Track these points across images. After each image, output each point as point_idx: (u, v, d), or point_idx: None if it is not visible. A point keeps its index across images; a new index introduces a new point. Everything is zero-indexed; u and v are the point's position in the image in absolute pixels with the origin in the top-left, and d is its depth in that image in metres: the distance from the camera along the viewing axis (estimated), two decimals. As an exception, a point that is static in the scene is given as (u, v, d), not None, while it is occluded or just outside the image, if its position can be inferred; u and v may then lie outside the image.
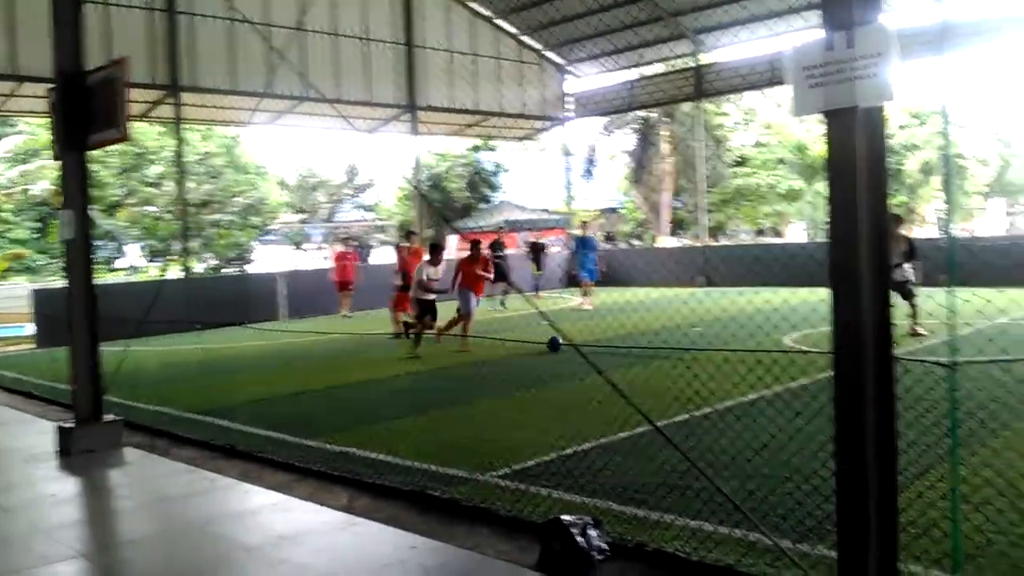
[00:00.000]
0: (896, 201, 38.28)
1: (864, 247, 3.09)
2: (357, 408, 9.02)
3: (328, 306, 21.57)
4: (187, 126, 28.30)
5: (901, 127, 38.30)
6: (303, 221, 39.93)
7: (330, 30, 23.36)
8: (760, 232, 43.93)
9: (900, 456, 3.19)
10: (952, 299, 3.54)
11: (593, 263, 20.02)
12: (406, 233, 17.95)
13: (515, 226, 34.18)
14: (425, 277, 13.04)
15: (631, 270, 25.82)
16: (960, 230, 35.98)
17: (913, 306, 11.45)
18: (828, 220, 3.19)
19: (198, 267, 36.39)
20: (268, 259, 36.09)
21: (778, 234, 43.57)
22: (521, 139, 37.26)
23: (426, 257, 13.42)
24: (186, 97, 21.27)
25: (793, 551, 4.32)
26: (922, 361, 4.25)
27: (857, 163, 3.04)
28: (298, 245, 40.73)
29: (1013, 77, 60.34)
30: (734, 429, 6.42)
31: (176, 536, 5.38)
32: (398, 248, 17.18)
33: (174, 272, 28.97)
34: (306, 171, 41.83)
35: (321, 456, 6.96)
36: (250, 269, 37.29)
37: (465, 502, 5.47)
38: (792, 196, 38.37)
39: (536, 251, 24.40)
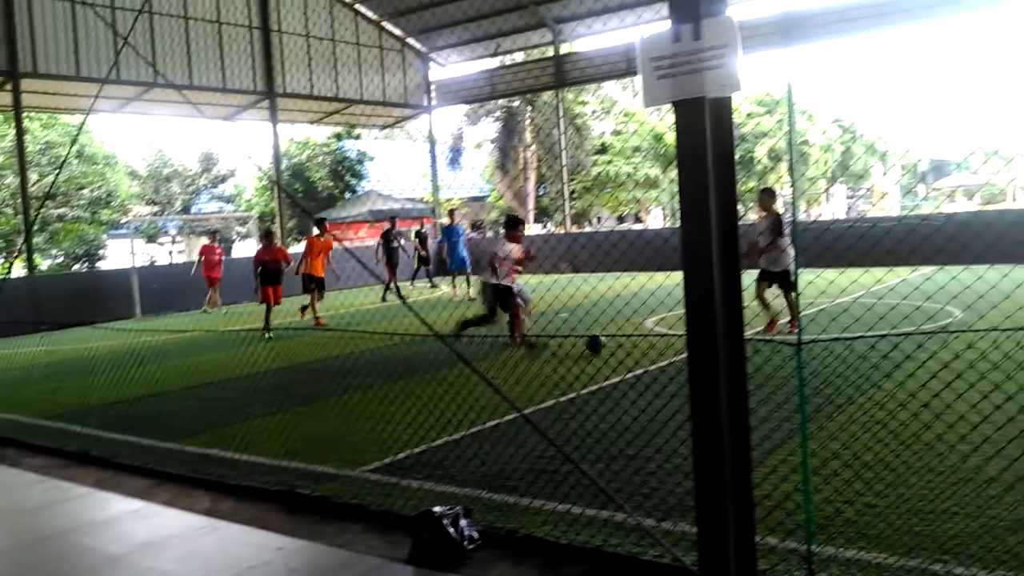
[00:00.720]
0: (747, 188, 40.07)
1: (714, 232, 3.19)
2: (218, 407, 8.72)
3: (186, 303, 20.77)
4: (28, 114, 26.57)
5: (750, 116, 40.04)
6: (156, 213, 38.13)
7: (181, 13, 22.38)
8: (622, 219, 45.08)
9: (753, 433, 3.33)
10: (797, 280, 3.71)
11: (464, 252, 19.77)
12: (265, 231, 17.16)
13: (380, 216, 33.78)
14: (502, 255, 10.88)
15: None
16: (805, 214, 38.03)
17: (791, 302, 10.27)
18: (680, 207, 3.28)
19: (44, 264, 34.26)
20: (121, 254, 34.39)
21: (639, 220, 44.81)
22: (385, 127, 36.87)
23: (502, 232, 11.37)
24: (26, 83, 19.96)
25: (656, 529, 4.46)
26: (770, 340, 4.44)
27: (706, 151, 3.14)
28: (152, 239, 38.91)
29: (855, 67, 64.16)
30: (598, 413, 6.57)
31: (33, 549, 5.05)
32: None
33: (17, 270, 27.17)
34: (158, 160, 39.93)
35: (181, 459, 6.69)
36: (102, 265, 35.40)
37: (335, 499, 5.38)
38: (650, 183, 39.50)
39: (423, 240, 23.97)
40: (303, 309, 15.40)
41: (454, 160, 37.72)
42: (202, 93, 23.36)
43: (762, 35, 21.01)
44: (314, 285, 15.44)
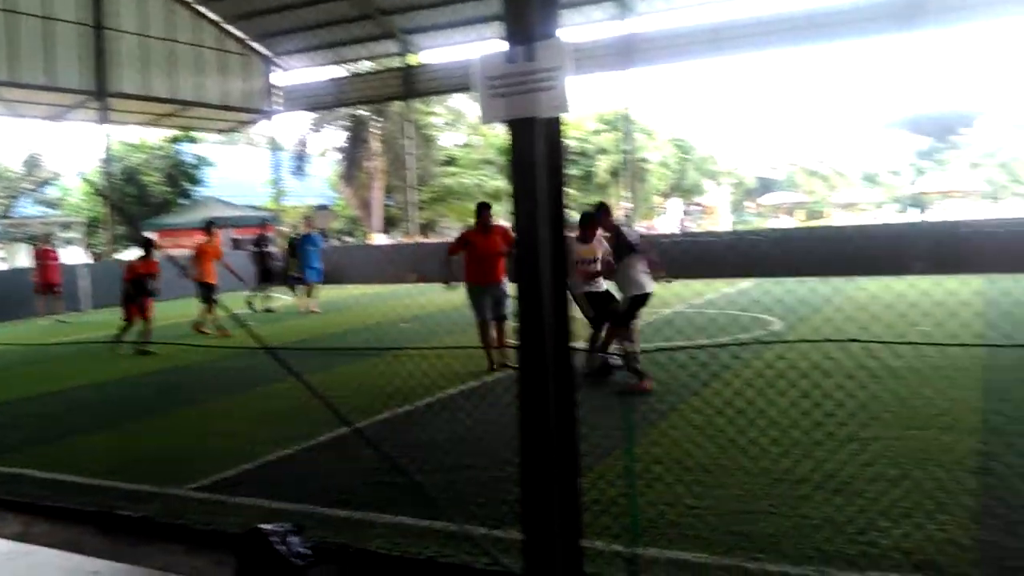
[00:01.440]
0: (588, 201, 41.22)
1: (545, 248, 3.28)
2: (35, 424, 8.16)
3: (6, 311, 19.35)
4: None
5: (594, 132, 41.29)
6: (-29, 217, 35.31)
7: (4, 5, 20.88)
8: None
9: (583, 440, 3.45)
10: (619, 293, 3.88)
11: (319, 262, 18.65)
12: (146, 241, 15.54)
13: (221, 223, 32.57)
14: (576, 260, 8.97)
15: (344, 268, 25.60)
16: (644, 227, 39.50)
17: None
18: (513, 222, 3.36)
19: None
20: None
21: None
22: (225, 132, 35.64)
23: (573, 234, 9.35)
24: None
25: (488, 537, 4.52)
26: (598, 352, 4.60)
27: (537, 170, 3.23)
28: (-35, 245, 35.97)
29: (691, 91, 67.38)
30: (434, 424, 6.59)
31: None
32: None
33: None
34: (-27, 161, 37.01)
35: (-9, 481, 6.23)
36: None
37: (157, 519, 5.14)
38: (496, 196, 39.95)
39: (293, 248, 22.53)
40: (196, 326, 14.48)
41: (299, 168, 36.84)
42: (26, 91, 21.88)
43: (602, 57, 21.77)
44: (208, 293, 14.42)
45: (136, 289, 12.78)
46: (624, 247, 8.30)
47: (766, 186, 47.75)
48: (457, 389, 7.88)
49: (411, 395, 7.15)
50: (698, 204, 46.35)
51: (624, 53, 22.22)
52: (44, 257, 19.96)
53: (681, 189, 43.81)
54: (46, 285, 19.55)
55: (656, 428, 6.64)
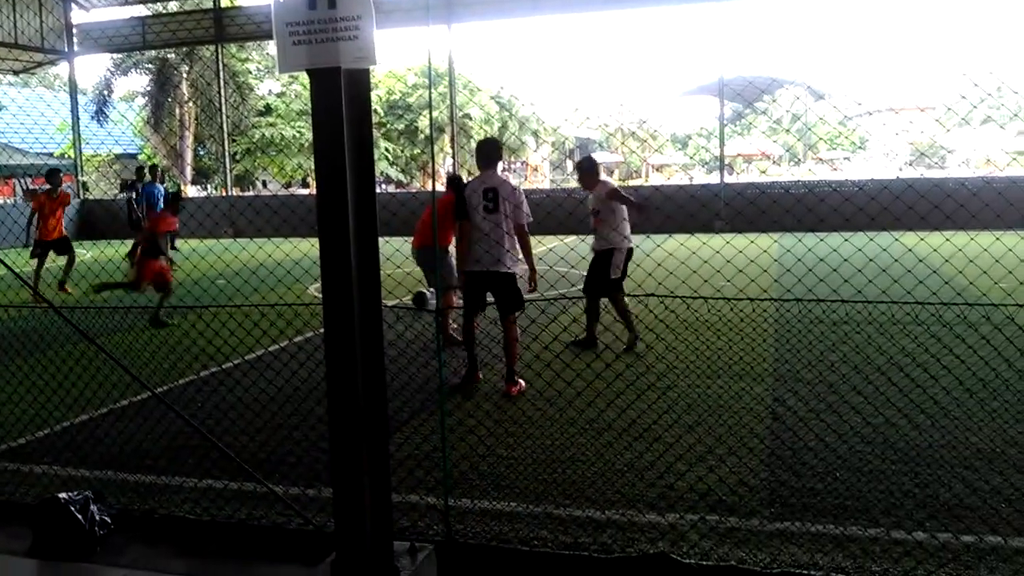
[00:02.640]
0: (412, 155, 40.96)
1: (351, 202, 3.22)
2: None
3: None
4: None
5: (415, 87, 40.91)
6: None
7: None
8: (289, 184, 43.99)
9: (396, 397, 3.47)
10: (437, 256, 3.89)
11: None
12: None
13: (12, 172, 30.01)
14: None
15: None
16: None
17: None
18: (316, 176, 3.28)
19: None
20: None
21: (307, 186, 44.03)
22: (18, 72, 32.60)
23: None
24: None
25: (301, 496, 4.48)
26: (409, 308, 4.62)
27: (342, 122, 3.15)
28: None
29: (512, 48, 67.87)
30: (242, 385, 6.40)
31: None
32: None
33: None
34: None
35: None
36: None
37: (-61, 493, 4.75)
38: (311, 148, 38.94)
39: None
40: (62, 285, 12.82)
41: (100, 112, 34.31)
42: None
43: (419, 11, 21.51)
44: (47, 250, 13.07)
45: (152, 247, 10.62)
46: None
47: (585, 146, 49.09)
48: (269, 349, 7.68)
49: (218, 356, 6.89)
50: (521, 162, 47.02)
51: (445, 7, 22.04)
52: None
53: (504, 147, 44.28)
54: None
55: (468, 383, 6.75)
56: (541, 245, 8.78)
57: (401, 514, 4.12)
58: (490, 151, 6.78)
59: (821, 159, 42.03)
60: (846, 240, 5.18)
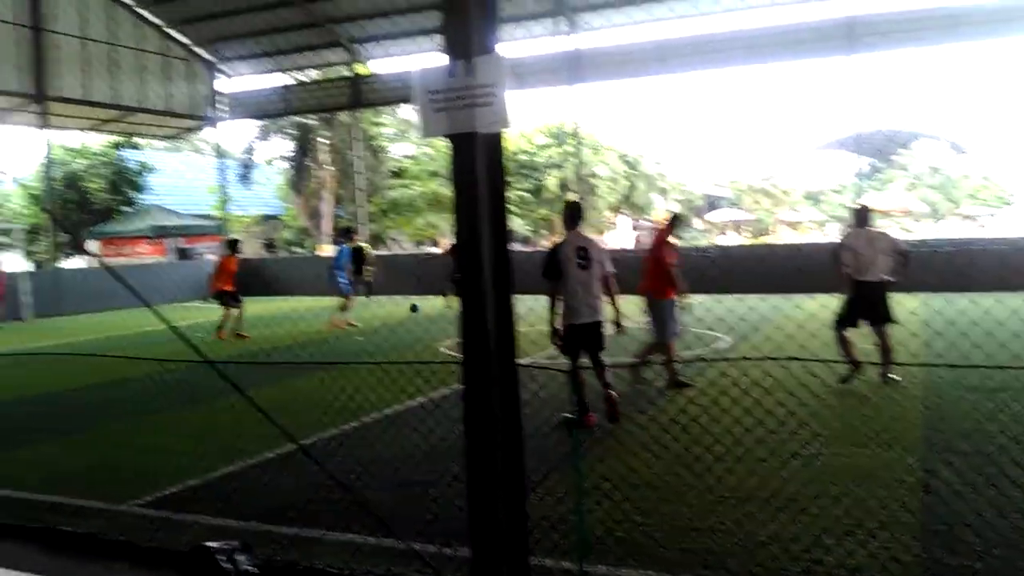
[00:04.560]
0: (538, 215, 41.37)
1: (487, 262, 3.27)
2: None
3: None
4: None
5: (543, 147, 41.48)
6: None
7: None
8: (420, 243, 45.17)
9: (531, 456, 3.44)
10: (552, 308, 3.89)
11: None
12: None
13: (165, 232, 32.05)
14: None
15: (293, 279, 25.35)
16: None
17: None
18: (455, 237, 3.36)
19: None
20: None
21: (435, 244, 45.08)
22: (169, 138, 35.03)
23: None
24: None
25: (438, 555, 4.49)
26: (545, 368, 4.61)
27: (478, 185, 3.23)
28: None
29: (638, 106, 68.21)
30: (382, 440, 6.53)
31: None
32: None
33: None
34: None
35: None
36: None
37: (100, 536, 5.03)
38: (442, 207, 39.70)
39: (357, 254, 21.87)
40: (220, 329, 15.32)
41: (245, 176, 36.34)
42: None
43: (547, 72, 21.88)
44: (233, 301, 15.56)
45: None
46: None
47: (713, 203, 48.44)
48: (405, 405, 7.82)
49: (360, 410, 7.07)
50: (648, 220, 46.82)
51: (570, 68, 22.37)
52: None
53: (630, 204, 44.17)
54: None
55: (602, 444, 6.65)
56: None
57: (535, 576, 4.06)
58: (575, 213, 7.56)
59: (965, 215, 39.97)
60: (998, 301, 4.87)
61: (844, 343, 8.50)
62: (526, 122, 41.02)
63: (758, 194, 46.04)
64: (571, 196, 37.91)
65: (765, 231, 44.51)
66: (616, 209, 44.16)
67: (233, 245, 16.44)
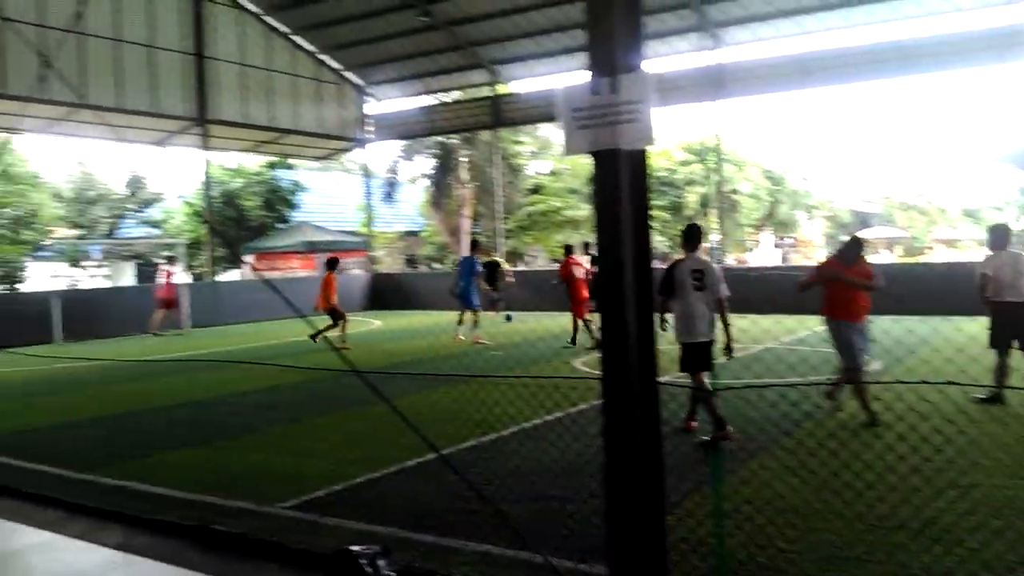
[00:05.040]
0: (676, 232, 40.79)
1: (628, 278, 3.27)
2: (136, 439, 8.48)
3: (110, 328, 20.34)
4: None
5: (682, 163, 40.95)
6: (80, 237, 37.08)
7: (112, 34, 22.02)
8: (556, 260, 45.45)
9: (669, 476, 3.40)
10: (711, 327, 3.83)
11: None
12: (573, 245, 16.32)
13: (314, 247, 33.48)
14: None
15: (432, 294, 25.96)
16: (735, 260, 38.84)
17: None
18: (596, 253, 3.37)
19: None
20: (42, 277, 33.35)
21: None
22: (320, 159, 36.65)
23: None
24: (-55, 99, 19.42)
25: (574, 571, 4.49)
26: (684, 386, 4.54)
27: (622, 200, 3.23)
28: (75, 262, 37.79)
29: (782, 121, 66.39)
30: (520, 453, 6.59)
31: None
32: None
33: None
34: (83, 182, 38.87)
35: (95, 491, 6.49)
36: (22, 287, 34.23)
37: (251, 536, 5.27)
38: (578, 224, 39.73)
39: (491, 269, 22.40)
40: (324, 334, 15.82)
41: (389, 194, 37.64)
42: (132, 116, 22.98)
43: (690, 87, 21.61)
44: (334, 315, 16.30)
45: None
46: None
47: (862, 220, 46.51)
48: (542, 419, 7.87)
49: (497, 423, 7.18)
50: (792, 237, 45.43)
51: (713, 84, 22.03)
52: (168, 275, 21.62)
53: (774, 222, 42.99)
54: (164, 300, 21.07)
55: (746, 467, 6.48)
56: (822, 324, 8.36)
57: (673, 598, 4.00)
58: (694, 235, 7.79)
59: None
60: None
61: (1001, 368, 8.37)
62: (666, 138, 40.62)
63: (912, 211, 43.89)
64: (696, 219, 37.39)
65: (920, 250, 42.36)
66: (759, 227, 43.05)
67: (333, 264, 17.16)
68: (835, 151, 61.41)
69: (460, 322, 16.58)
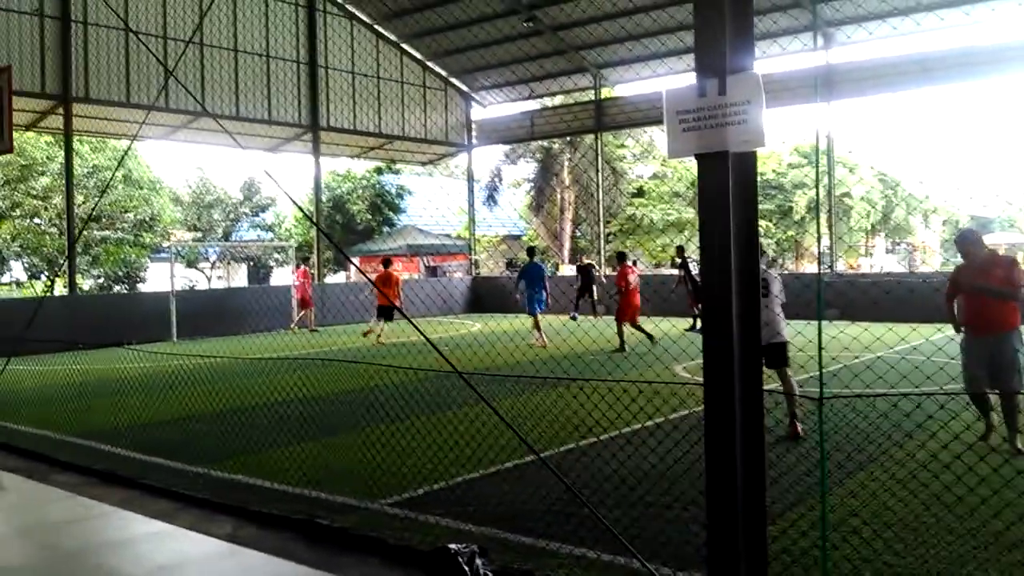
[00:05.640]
0: (785, 236, 39.81)
1: (734, 285, 3.21)
2: (246, 434, 8.80)
3: (224, 328, 21.20)
4: (78, 138, 27.41)
5: (791, 166, 39.91)
6: (198, 239, 38.78)
7: (230, 45, 22.98)
8: (659, 264, 44.93)
9: (772, 487, 3.34)
10: (820, 334, 3.74)
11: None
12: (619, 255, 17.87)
13: (417, 250, 34.12)
14: None
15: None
16: (847, 267, 37.61)
17: None
18: (700, 258, 3.32)
19: (86, 284, 34.93)
20: (161, 278, 35.08)
21: (675, 266, 44.54)
22: (425, 163, 37.32)
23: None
24: (77, 108, 20.61)
25: (670, 578, 4.44)
26: (791, 395, 4.43)
27: (729, 205, 3.17)
28: (192, 264, 39.54)
29: (895, 122, 63.94)
30: (618, 458, 6.55)
31: (52, 565, 5.13)
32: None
33: (59, 289, 27.80)
34: (200, 187, 40.68)
35: (206, 483, 6.77)
36: (142, 288, 36.04)
37: (354, 531, 5.40)
38: (680, 227, 39.17)
39: (584, 274, 23.33)
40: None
41: (491, 198, 38.00)
42: (248, 124, 23.91)
43: (799, 88, 21.06)
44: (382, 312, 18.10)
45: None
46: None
47: (981, 225, 44.33)
48: (642, 425, 7.81)
49: (596, 427, 7.17)
50: (907, 243, 43.70)
51: (824, 84, 21.42)
52: (304, 276, 22.62)
53: (888, 227, 41.43)
54: (302, 300, 22.28)
55: (853, 479, 6.28)
56: (938, 333, 8.02)
57: (775, 610, 3.91)
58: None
59: None
60: None
61: None
62: (775, 140, 39.70)
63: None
64: (805, 223, 36.30)
65: (1046, 256, 40.12)
66: (872, 232, 41.55)
67: (387, 263, 18.75)
68: (954, 153, 58.66)
69: (535, 327, 17.07)
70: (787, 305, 8.15)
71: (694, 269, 18.37)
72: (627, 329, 15.44)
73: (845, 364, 11.46)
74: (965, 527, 5.06)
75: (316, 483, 6.59)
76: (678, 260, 20.27)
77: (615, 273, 17.22)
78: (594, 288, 22.57)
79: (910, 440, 7.04)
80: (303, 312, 22.35)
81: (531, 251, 19.46)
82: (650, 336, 15.34)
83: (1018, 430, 6.89)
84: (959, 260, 7.55)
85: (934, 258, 42.46)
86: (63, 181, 23.06)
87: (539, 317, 17.14)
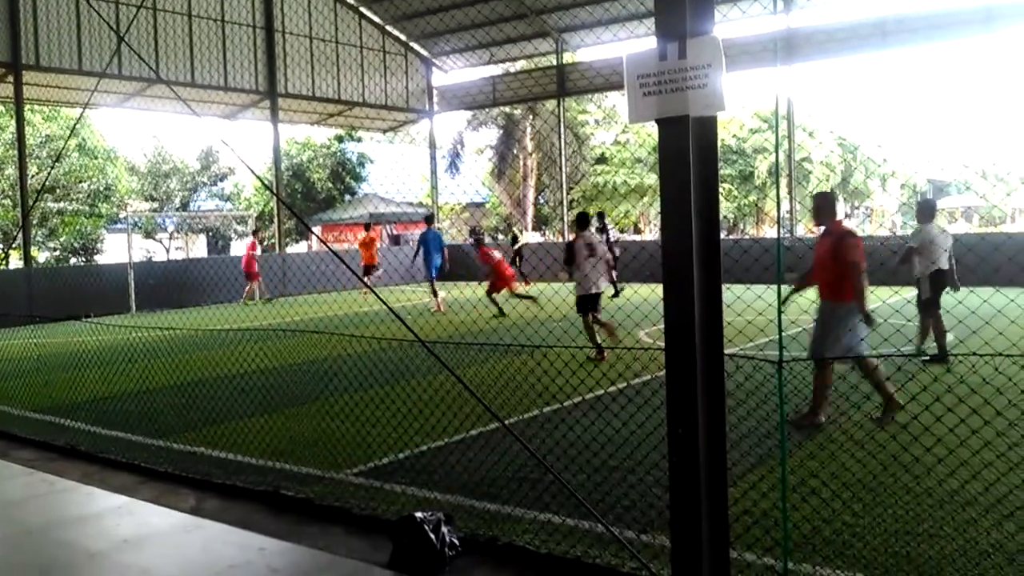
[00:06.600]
0: (747, 201, 40.12)
1: (695, 248, 3.21)
2: (207, 406, 8.72)
3: (183, 299, 20.91)
4: (29, 106, 26.72)
5: (752, 131, 40.12)
6: (155, 210, 38.09)
7: (184, 10, 22.45)
8: (622, 230, 45.12)
9: (734, 449, 3.38)
10: (779, 298, 3.76)
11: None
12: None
13: (380, 219, 33.84)
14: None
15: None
16: (807, 231, 38.00)
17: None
18: (660, 221, 3.31)
19: (42, 256, 34.23)
20: (118, 249, 34.48)
21: (638, 231, 44.86)
22: (386, 131, 36.94)
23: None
24: (28, 76, 20.08)
25: (635, 542, 4.49)
26: (751, 358, 4.47)
27: (689, 169, 3.16)
28: (150, 235, 38.86)
29: (855, 86, 64.50)
30: (581, 423, 6.59)
31: (13, 542, 5.06)
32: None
33: (14, 262, 27.21)
34: (158, 157, 39.86)
35: (168, 456, 6.71)
36: (99, 259, 35.38)
37: (318, 501, 5.40)
38: (642, 192, 39.28)
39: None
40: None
41: (453, 165, 37.77)
42: (204, 91, 23.43)
43: (759, 52, 21.09)
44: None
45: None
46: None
47: (938, 189, 45.03)
48: (604, 390, 7.85)
49: (559, 394, 7.20)
50: (866, 207, 44.26)
51: (784, 48, 21.48)
52: (253, 248, 22.43)
53: (846, 191, 41.92)
54: (250, 273, 21.99)
55: (813, 441, 6.39)
56: (894, 295, 8.12)
57: (737, 571, 3.97)
58: (583, 221, 11.11)
59: None
60: None
61: (939, 327, 9.38)
62: (734, 105, 39.83)
63: (992, 180, 42.36)
64: (765, 188, 36.52)
65: (1001, 219, 40.90)
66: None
67: (368, 227, 19.98)
68: (911, 117, 59.35)
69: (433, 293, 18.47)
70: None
71: (613, 236, 19.50)
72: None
73: (804, 328, 11.60)
74: (921, 486, 5.17)
75: (280, 454, 6.56)
76: (598, 226, 20.20)
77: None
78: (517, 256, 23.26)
79: (868, 402, 7.17)
80: (249, 285, 22.06)
81: (429, 219, 20.11)
82: (501, 310, 16.44)
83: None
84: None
85: (890, 221, 43.02)
86: (15, 151, 22.46)
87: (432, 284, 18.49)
